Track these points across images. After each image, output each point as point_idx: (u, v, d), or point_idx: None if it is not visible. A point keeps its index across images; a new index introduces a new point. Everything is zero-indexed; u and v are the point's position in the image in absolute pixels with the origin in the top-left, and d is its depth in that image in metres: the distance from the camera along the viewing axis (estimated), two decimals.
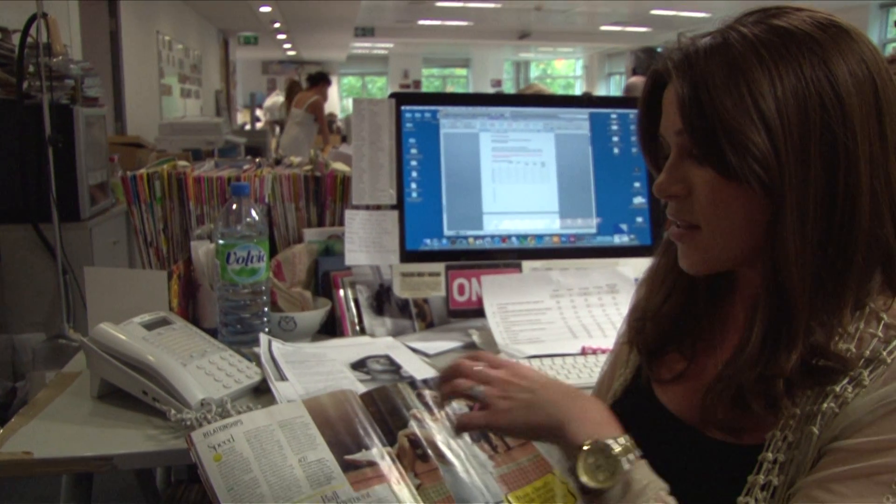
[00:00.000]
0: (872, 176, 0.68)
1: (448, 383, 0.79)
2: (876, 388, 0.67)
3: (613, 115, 1.57)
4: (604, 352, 1.36)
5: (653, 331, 0.88)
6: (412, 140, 1.50)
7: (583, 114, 1.57)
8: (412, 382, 0.96)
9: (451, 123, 1.52)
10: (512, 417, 0.73)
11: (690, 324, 0.86)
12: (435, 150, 1.51)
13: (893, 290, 0.72)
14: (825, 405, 0.68)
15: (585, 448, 0.69)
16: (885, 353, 0.68)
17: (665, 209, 0.80)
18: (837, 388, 0.68)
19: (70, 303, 3.17)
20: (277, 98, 12.34)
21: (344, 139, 10.09)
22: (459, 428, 0.77)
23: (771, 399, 0.70)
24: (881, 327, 0.70)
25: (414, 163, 1.50)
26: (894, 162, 0.69)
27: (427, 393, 0.95)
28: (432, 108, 1.52)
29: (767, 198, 0.69)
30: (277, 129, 8.45)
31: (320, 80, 7.98)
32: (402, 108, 1.50)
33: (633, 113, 1.58)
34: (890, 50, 8.84)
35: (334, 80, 18.60)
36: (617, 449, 0.69)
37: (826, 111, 0.67)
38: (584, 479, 0.68)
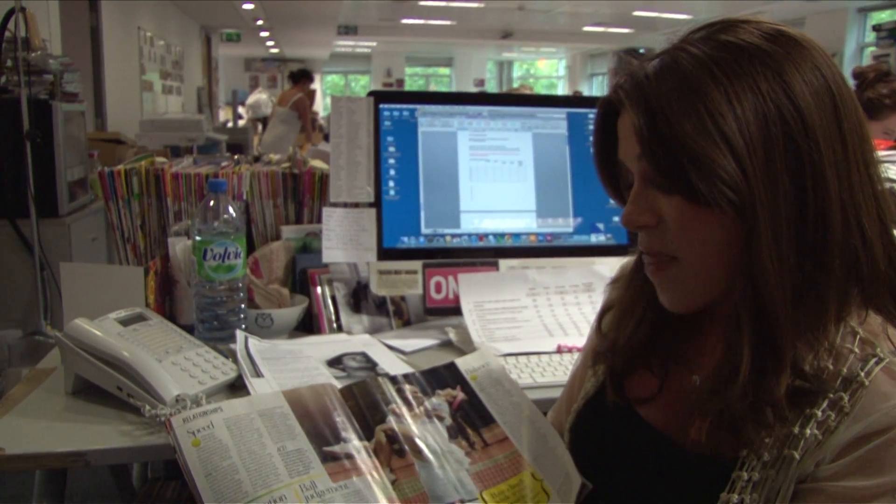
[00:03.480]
0: (839, 184, 0.67)
1: None
2: (858, 416, 0.66)
3: (591, 115, 1.58)
4: (579, 350, 1.37)
5: (622, 360, 0.86)
6: (390, 138, 1.51)
7: (560, 113, 1.58)
8: (393, 377, 0.96)
9: (429, 122, 1.53)
10: None
11: (661, 346, 0.84)
12: (413, 149, 1.51)
13: (869, 303, 0.71)
14: (808, 431, 0.67)
15: None
16: (862, 375, 0.67)
17: (635, 242, 0.78)
18: (819, 413, 0.67)
19: (47, 299, 3.15)
20: (260, 95, 12.28)
21: (327, 137, 10.07)
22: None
23: (764, 424, 0.68)
24: (857, 342, 0.69)
25: (392, 161, 1.50)
26: (856, 169, 0.69)
27: (407, 388, 0.95)
28: (410, 106, 1.52)
29: (740, 220, 0.67)
30: (260, 127, 8.42)
31: (302, 78, 7.97)
32: (381, 106, 1.51)
33: None
34: (867, 54, 8.94)
35: (317, 78, 18.61)
36: None
37: (787, 124, 0.66)
38: None
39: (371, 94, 1.51)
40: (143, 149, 4.38)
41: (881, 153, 2.40)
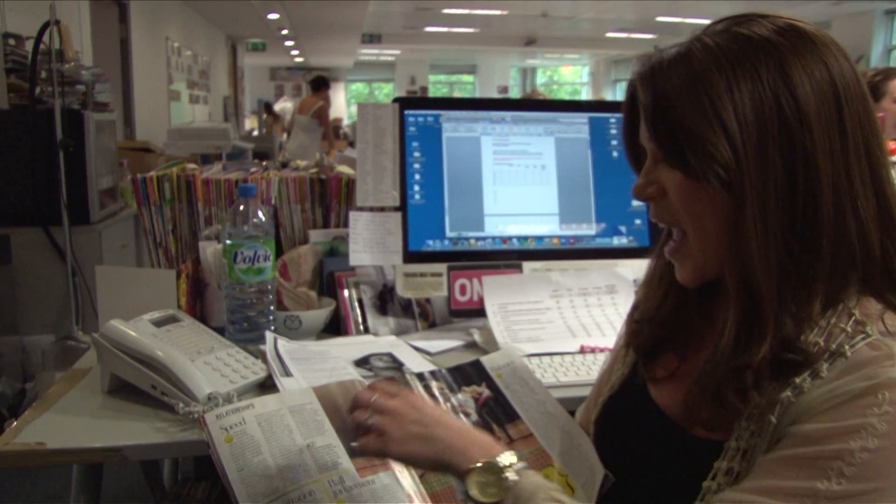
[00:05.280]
0: (833, 171, 0.71)
1: (350, 414, 0.86)
2: (831, 378, 0.69)
3: (612, 120, 1.60)
4: (602, 350, 1.39)
5: (650, 332, 0.91)
6: (415, 143, 1.54)
7: (582, 118, 1.60)
8: (420, 374, 0.99)
9: (454, 127, 1.55)
10: (405, 449, 0.80)
11: (684, 324, 0.89)
12: (437, 154, 1.54)
13: (867, 289, 0.74)
14: (783, 394, 0.71)
15: (474, 468, 0.76)
16: (847, 347, 0.70)
17: (656, 244, 0.86)
18: (798, 380, 0.71)
19: (79, 305, 3.22)
20: (286, 104, 12.41)
21: (351, 144, 10.14)
22: (357, 450, 0.84)
23: (741, 391, 0.72)
24: (851, 322, 0.72)
25: (417, 165, 1.53)
26: (855, 159, 0.72)
27: (434, 384, 0.97)
28: (435, 112, 1.55)
29: (730, 196, 0.72)
30: (285, 136, 8.51)
31: (322, 86, 8.03)
32: (406, 112, 1.54)
33: None
34: (895, 56, 8.84)
35: (341, 86, 18.76)
36: (502, 465, 0.76)
37: (782, 111, 0.70)
38: (477, 497, 0.75)
39: (396, 100, 1.55)
40: (173, 157, 4.46)
41: None
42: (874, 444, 0.65)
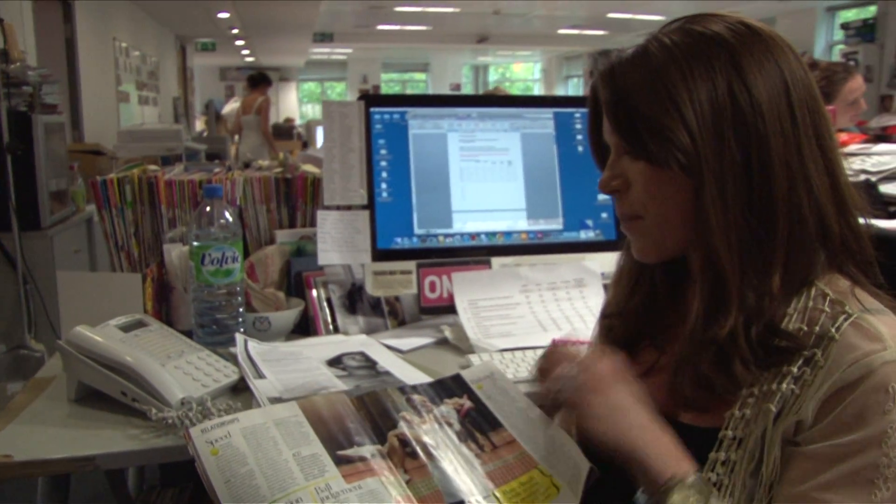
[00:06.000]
0: (786, 152, 0.76)
1: (550, 369, 0.85)
2: (829, 367, 0.72)
3: (577, 115, 1.62)
4: (573, 344, 1.40)
5: (622, 327, 0.94)
6: (381, 141, 1.53)
7: (547, 113, 1.61)
8: (402, 387, 0.99)
9: (420, 124, 1.55)
10: (598, 432, 0.78)
11: (657, 318, 0.91)
12: (404, 151, 1.54)
13: (832, 266, 0.79)
14: (784, 386, 0.73)
15: (681, 482, 0.72)
16: (833, 331, 0.73)
17: (623, 238, 0.89)
18: (795, 370, 0.73)
19: (31, 313, 3.13)
20: (236, 104, 12.23)
21: (305, 145, 10.05)
22: (549, 410, 0.84)
23: (717, 365, 0.76)
24: (827, 303, 0.76)
25: (384, 163, 1.52)
26: (806, 142, 0.77)
27: (416, 397, 0.97)
28: (401, 109, 1.55)
29: (690, 179, 0.76)
30: (236, 137, 8.38)
31: (262, 82, 7.92)
32: (371, 109, 1.53)
33: None
34: (836, 52, 9.09)
35: (293, 86, 18.58)
36: (706, 485, 0.74)
37: (735, 99, 0.75)
38: None
39: (361, 97, 1.54)
40: (131, 160, 4.35)
41: (854, 147, 2.47)
42: None
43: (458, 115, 1.57)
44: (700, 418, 0.80)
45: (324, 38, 12.66)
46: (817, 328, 0.74)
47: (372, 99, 1.54)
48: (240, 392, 1.20)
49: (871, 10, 8.49)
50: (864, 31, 8.25)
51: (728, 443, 0.76)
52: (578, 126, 1.61)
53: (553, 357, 0.87)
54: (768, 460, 0.74)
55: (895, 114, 6.55)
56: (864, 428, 0.70)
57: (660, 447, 0.75)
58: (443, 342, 1.48)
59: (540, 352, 1.34)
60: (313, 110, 18.99)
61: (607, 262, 1.58)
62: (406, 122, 1.54)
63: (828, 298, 0.76)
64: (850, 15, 9.13)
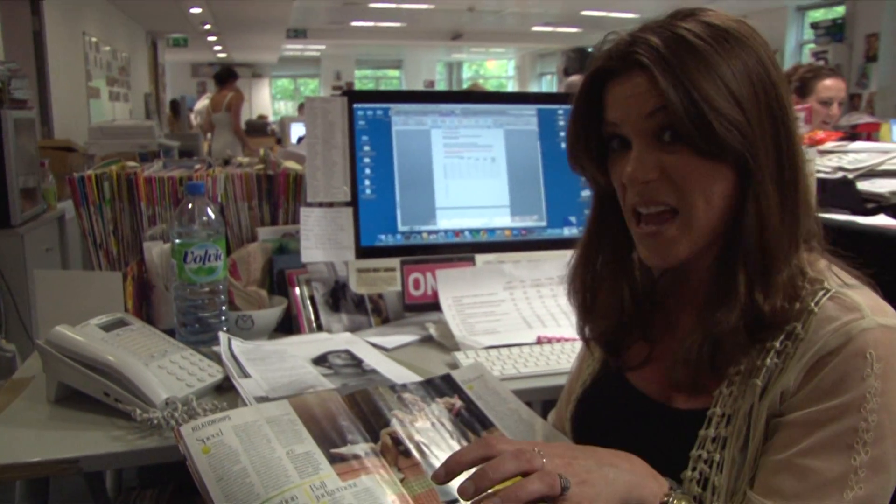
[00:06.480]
0: (796, 133, 0.78)
1: (523, 490, 0.67)
2: (809, 339, 0.74)
3: (560, 111, 1.62)
4: (559, 340, 1.40)
5: (606, 326, 0.91)
6: (365, 137, 1.52)
7: (530, 110, 1.61)
8: (392, 386, 0.98)
9: (403, 121, 1.54)
10: (600, 499, 0.69)
11: (643, 313, 0.90)
12: (387, 147, 1.53)
13: (806, 245, 0.80)
14: (768, 361, 0.75)
15: (677, 496, 0.72)
16: (812, 304, 0.75)
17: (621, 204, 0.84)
18: (777, 344, 0.75)
19: (2, 312, 3.07)
20: (206, 102, 12.08)
21: (279, 141, 9.97)
22: None
23: (724, 355, 0.77)
24: (806, 280, 0.78)
25: (367, 160, 1.51)
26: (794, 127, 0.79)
27: (407, 396, 0.97)
28: (384, 105, 1.54)
29: (739, 168, 0.76)
30: (208, 135, 8.27)
31: (229, 78, 7.83)
32: (355, 105, 1.52)
33: None
34: (807, 51, 9.22)
35: (266, 82, 18.42)
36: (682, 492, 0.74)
37: (766, 90, 0.77)
38: None
39: (345, 93, 1.52)
40: (109, 156, 4.28)
41: (831, 144, 2.50)
42: (878, 402, 0.70)
43: (442, 111, 1.57)
44: (692, 401, 0.81)
45: (297, 34, 12.56)
46: (797, 305, 0.76)
47: (355, 95, 1.53)
48: (224, 391, 1.19)
49: (839, 10, 8.61)
50: (834, 31, 8.36)
51: (717, 420, 0.77)
52: (561, 123, 1.62)
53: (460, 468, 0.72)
54: (755, 434, 0.75)
55: (865, 112, 6.66)
56: (844, 394, 0.71)
57: (641, 473, 0.73)
58: (427, 340, 1.47)
59: (526, 349, 1.36)
60: (286, 107, 18.85)
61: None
62: (389, 118, 1.53)
63: (807, 276, 0.78)
64: (819, 15, 9.26)
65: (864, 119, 4.12)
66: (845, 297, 0.75)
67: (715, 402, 0.78)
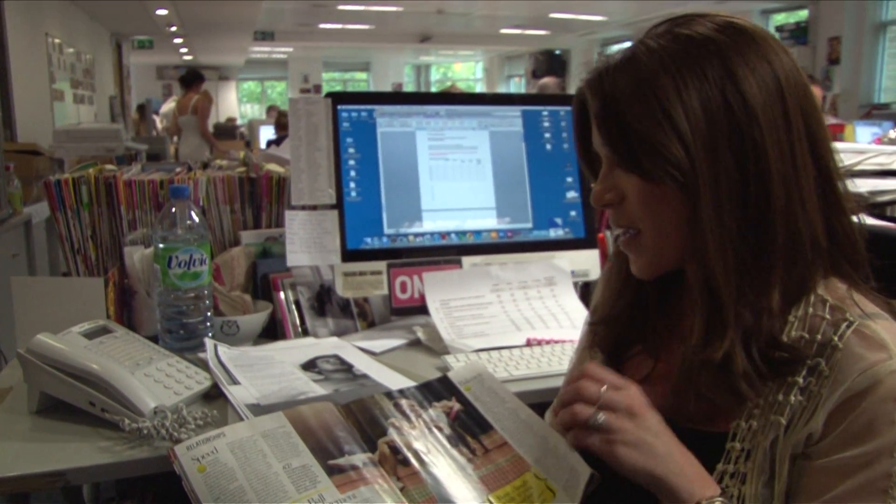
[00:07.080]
0: (782, 162, 0.73)
1: (568, 409, 0.78)
2: (835, 377, 0.71)
3: (545, 113, 1.61)
4: (548, 342, 1.40)
5: (608, 331, 0.92)
6: (349, 139, 1.50)
7: (515, 111, 1.61)
8: (388, 393, 0.96)
9: (388, 122, 1.53)
10: (631, 459, 0.73)
11: (647, 324, 0.89)
12: (372, 149, 1.51)
13: (828, 268, 0.77)
14: (792, 398, 0.72)
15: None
16: (836, 339, 0.72)
17: (591, 235, 0.86)
18: (800, 380, 0.72)
19: None
20: (172, 105, 11.91)
21: (248, 144, 9.86)
22: (576, 447, 0.78)
23: (734, 393, 0.74)
24: (827, 309, 0.74)
25: (352, 162, 1.50)
26: (799, 149, 0.74)
27: (404, 402, 0.95)
28: (368, 107, 1.52)
29: (685, 195, 0.73)
30: (175, 138, 8.15)
31: (196, 80, 7.74)
32: (339, 107, 1.50)
33: (563, 110, 1.62)
34: None
35: (233, 85, 18.22)
36: None
37: (730, 108, 0.72)
38: None
39: (329, 95, 1.50)
40: (84, 159, 4.19)
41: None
42: None
43: (427, 112, 1.56)
44: (703, 424, 0.79)
45: (265, 36, 12.45)
46: (819, 336, 0.73)
47: (339, 96, 1.51)
48: (213, 399, 1.16)
49: (802, 14, 8.77)
50: (798, 34, 8.51)
51: (736, 455, 0.75)
52: (546, 124, 1.61)
53: (581, 391, 0.79)
54: (780, 472, 0.73)
55: (829, 114, 6.78)
56: (875, 439, 0.69)
57: (688, 473, 0.73)
58: (415, 343, 1.46)
59: (517, 352, 1.35)
60: (252, 110, 18.66)
61: (577, 260, 1.59)
62: (374, 119, 1.52)
63: (827, 304, 0.75)
64: (783, 18, 9.41)
65: (829, 121, 4.19)
66: (870, 331, 0.72)
67: (733, 435, 0.76)
